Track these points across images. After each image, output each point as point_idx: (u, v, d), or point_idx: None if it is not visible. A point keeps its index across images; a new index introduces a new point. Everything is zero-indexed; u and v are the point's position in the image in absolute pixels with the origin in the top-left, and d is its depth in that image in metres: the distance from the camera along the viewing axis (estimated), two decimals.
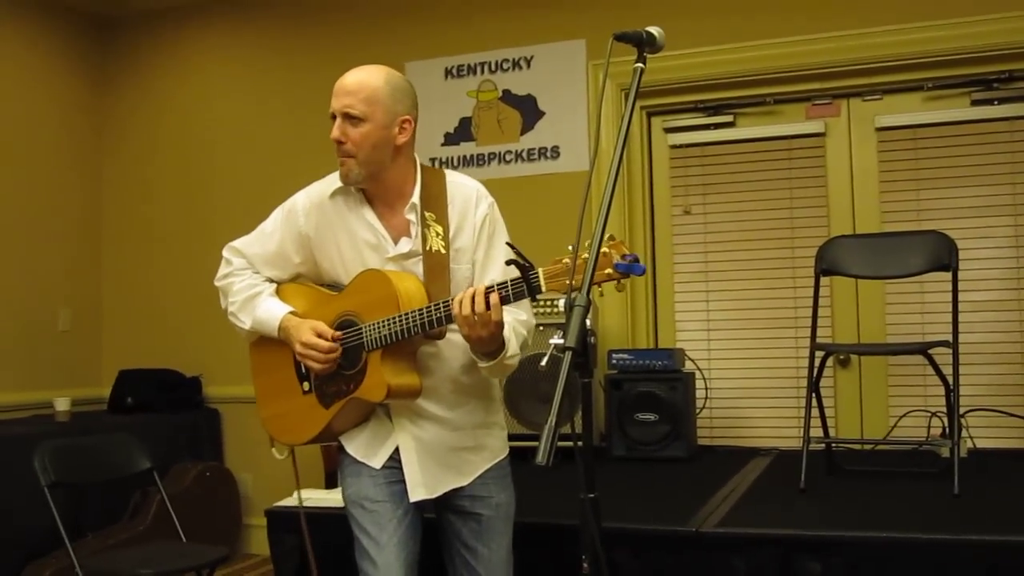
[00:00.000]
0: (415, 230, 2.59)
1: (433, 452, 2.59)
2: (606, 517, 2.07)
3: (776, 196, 4.96)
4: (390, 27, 5.56)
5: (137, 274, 6.09)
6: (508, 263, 2.33)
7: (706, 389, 4.85)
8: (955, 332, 3.62)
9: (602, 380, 4.55)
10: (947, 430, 3.93)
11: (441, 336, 2.51)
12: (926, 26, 4.60)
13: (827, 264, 3.99)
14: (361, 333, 2.53)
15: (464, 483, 2.63)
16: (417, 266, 2.58)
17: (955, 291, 3.71)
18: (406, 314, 2.44)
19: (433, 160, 5.38)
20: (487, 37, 5.37)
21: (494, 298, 2.32)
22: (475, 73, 5.39)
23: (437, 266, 2.56)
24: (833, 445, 3.98)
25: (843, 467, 3.90)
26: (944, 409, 3.93)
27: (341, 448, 2.68)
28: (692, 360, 4.85)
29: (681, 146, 5.12)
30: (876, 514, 3.17)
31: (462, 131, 5.40)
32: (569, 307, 1.94)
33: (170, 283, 5.94)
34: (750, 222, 4.99)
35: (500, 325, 2.38)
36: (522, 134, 5.28)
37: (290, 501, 3.30)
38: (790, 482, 3.53)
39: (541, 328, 4.47)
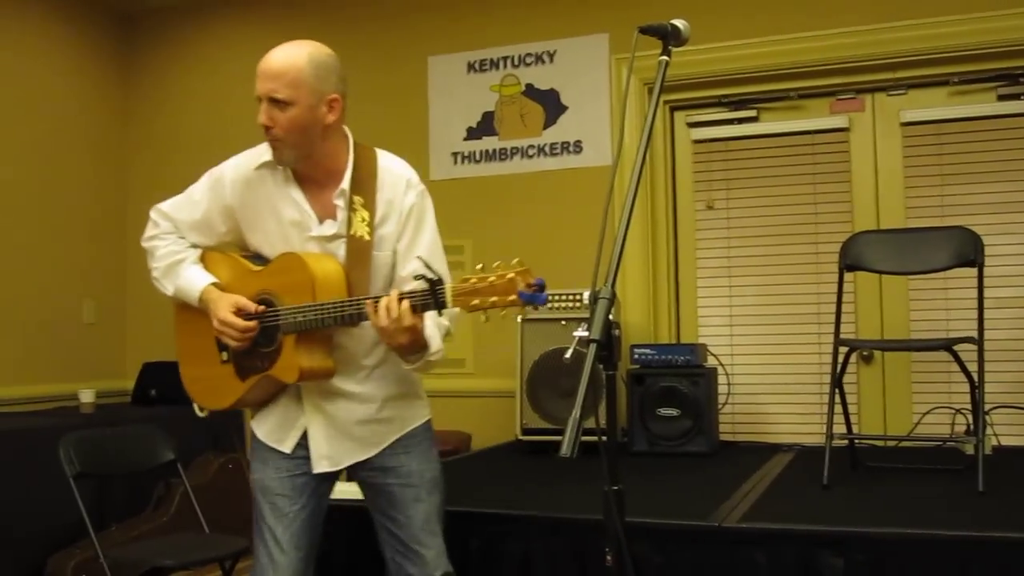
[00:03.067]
0: (341, 214, 2.60)
1: (341, 426, 2.64)
2: (628, 512, 2.07)
3: (800, 191, 4.94)
4: (412, 21, 5.57)
5: None
6: (416, 278, 2.37)
7: (728, 384, 4.83)
8: (980, 328, 3.58)
9: (624, 375, 4.55)
10: (971, 427, 3.91)
11: (356, 324, 2.53)
12: (951, 20, 4.57)
13: (851, 259, 3.97)
14: (278, 315, 2.56)
15: (371, 454, 2.67)
16: (340, 249, 2.60)
17: (980, 287, 3.68)
18: (322, 305, 2.48)
19: (455, 155, 5.39)
20: (510, 31, 5.37)
21: (404, 305, 2.36)
22: (498, 67, 5.39)
23: (359, 252, 2.57)
24: (856, 441, 3.96)
25: (866, 463, 3.88)
26: (968, 406, 3.90)
27: (253, 433, 2.74)
28: (714, 355, 4.83)
29: (704, 141, 5.11)
30: (900, 510, 3.16)
31: (485, 125, 5.39)
32: (594, 299, 1.95)
33: None
34: (773, 217, 4.97)
35: (418, 330, 2.42)
36: (545, 128, 5.27)
37: None
38: (813, 478, 3.51)
39: (564, 323, 4.49)
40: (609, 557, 2.01)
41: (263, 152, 2.64)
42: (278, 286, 2.59)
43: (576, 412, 1.81)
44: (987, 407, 3.70)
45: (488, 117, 5.40)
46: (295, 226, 2.63)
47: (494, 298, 2.23)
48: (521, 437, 4.57)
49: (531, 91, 5.33)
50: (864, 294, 4.78)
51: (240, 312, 2.59)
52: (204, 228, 2.76)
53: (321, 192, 2.63)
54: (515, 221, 5.23)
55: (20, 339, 5.47)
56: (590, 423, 1.91)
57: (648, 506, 3.04)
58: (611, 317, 1.95)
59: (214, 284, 2.69)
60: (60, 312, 5.74)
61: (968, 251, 3.75)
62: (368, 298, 2.44)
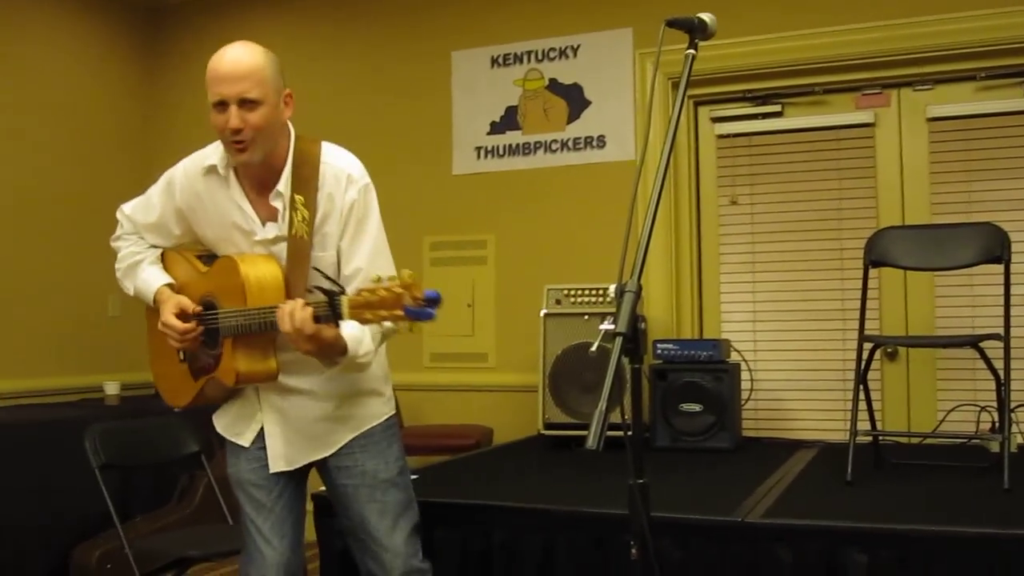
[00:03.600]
0: (282, 215, 2.58)
1: (297, 424, 2.65)
2: (651, 507, 2.07)
3: (824, 187, 4.92)
4: (436, 16, 5.57)
5: None
6: (309, 290, 2.39)
7: (751, 380, 4.81)
8: (1007, 325, 3.56)
9: (647, 370, 4.54)
10: (997, 424, 3.88)
11: None
12: (979, 15, 4.54)
13: (876, 255, 3.95)
14: (217, 318, 2.57)
15: (327, 453, 2.68)
16: (284, 251, 2.58)
17: (1007, 283, 3.65)
18: (249, 311, 2.47)
19: (479, 149, 5.39)
20: (533, 26, 5.36)
21: (308, 312, 2.33)
22: (521, 62, 5.39)
23: (298, 252, 2.55)
24: (880, 438, 3.94)
25: (890, 460, 3.86)
26: (994, 403, 3.87)
27: None
28: (737, 351, 4.82)
29: (728, 136, 5.09)
30: (924, 507, 3.15)
31: (508, 120, 5.39)
32: (620, 293, 1.94)
33: None
34: (798, 213, 4.95)
35: (323, 339, 2.37)
36: (568, 123, 5.27)
37: None
38: (836, 474, 3.51)
39: (587, 318, 4.49)
40: (634, 550, 2.01)
41: (208, 155, 2.63)
42: (217, 289, 2.60)
43: (602, 404, 1.81)
44: (1013, 404, 3.67)
45: (511, 112, 5.40)
46: (241, 231, 2.63)
47: (383, 312, 2.19)
48: (543, 431, 4.58)
49: (554, 85, 5.33)
50: (889, 290, 4.76)
51: (181, 314, 2.60)
52: (160, 231, 2.79)
53: (266, 193, 2.61)
54: (538, 215, 5.23)
55: (46, 332, 5.52)
56: (614, 417, 1.91)
57: (671, 501, 3.03)
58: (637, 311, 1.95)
59: (168, 285, 2.71)
60: (85, 306, 5.77)
61: (994, 247, 3.73)
62: (278, 307, 2.40)
